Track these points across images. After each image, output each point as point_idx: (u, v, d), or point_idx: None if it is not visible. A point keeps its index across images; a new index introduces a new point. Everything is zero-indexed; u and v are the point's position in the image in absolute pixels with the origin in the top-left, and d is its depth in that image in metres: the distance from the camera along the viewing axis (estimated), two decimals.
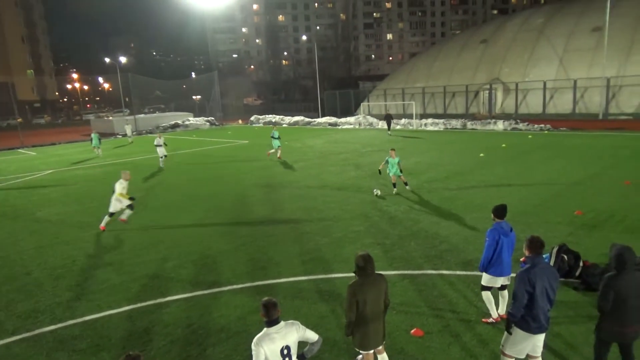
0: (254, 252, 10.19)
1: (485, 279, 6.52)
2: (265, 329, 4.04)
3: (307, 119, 48.64)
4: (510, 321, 4.97)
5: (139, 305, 7.91)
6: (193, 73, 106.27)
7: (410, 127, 37.57)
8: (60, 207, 15.87)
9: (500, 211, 6.34)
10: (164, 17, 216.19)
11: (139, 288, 8.62)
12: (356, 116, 44.83)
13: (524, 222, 10.85)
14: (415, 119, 37.90)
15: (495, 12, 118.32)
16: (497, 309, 6.68)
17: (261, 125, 51.88)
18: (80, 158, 29.30)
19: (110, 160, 27.62)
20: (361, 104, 49.11)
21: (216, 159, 25.75)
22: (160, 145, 23.33)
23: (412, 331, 6.56)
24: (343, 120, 44.34)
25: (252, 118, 55.02)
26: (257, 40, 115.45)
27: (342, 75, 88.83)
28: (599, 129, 28.63)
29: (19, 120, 54.25)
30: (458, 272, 8.46)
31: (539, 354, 5.11)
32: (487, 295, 6.62)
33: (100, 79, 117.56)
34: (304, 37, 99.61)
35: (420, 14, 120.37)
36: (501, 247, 6.22)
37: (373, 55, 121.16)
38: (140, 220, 13.34)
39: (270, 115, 53.89)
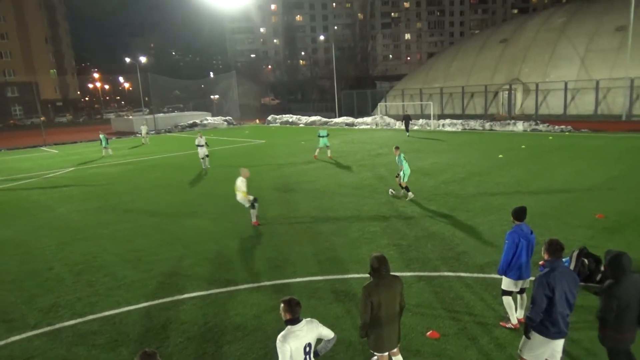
0: (269, 252, 10.24)
1: (505, 282, 6.42)
2: (288, 326, 4.08)
3: (323, 119, 48.66)
4: (529, 326, 4.87)
5: (156, 302, 8.02)
6: (211, 73, 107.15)
7: (428, 128, 37.28)
8: (81, 204, 16.18)
9: (519, 213, 6.25)
10: (183, 18, 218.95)
11: (157, 285, 8.74)
12: (373, 116, 44.63)
13: (543, 225, 10.67)
14: (433, 119, 37.60)
15: (515, 11, 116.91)
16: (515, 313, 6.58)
17: (278, 125, 52.05)
18: (100, 156, 29.83)
19: (130, 159, 28.10)
20: (378, 104, 48.90)
21: (232, 160, 25.91)
22: (202, 145, 22.39)
23: (428, 333, 6.52)
24: (360, 120, 44.19)
25: (269, 118, 55.22)
26: (275, 40, 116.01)
27: (360, 75, 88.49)
28: (621, 130, 27.98)
29: (42, 118, 55.62)
30: (475, 275, 8.36)
31: None
32: (507, 300, 6.50)
33: (121, 79, 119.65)
34: (322, 37, 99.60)
35: (438, 13, 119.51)
36: (521, 250, 6.11)
37: (391, 55, 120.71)
38: (157, 218, 13.53)
39: (287, 115, 54.00)
